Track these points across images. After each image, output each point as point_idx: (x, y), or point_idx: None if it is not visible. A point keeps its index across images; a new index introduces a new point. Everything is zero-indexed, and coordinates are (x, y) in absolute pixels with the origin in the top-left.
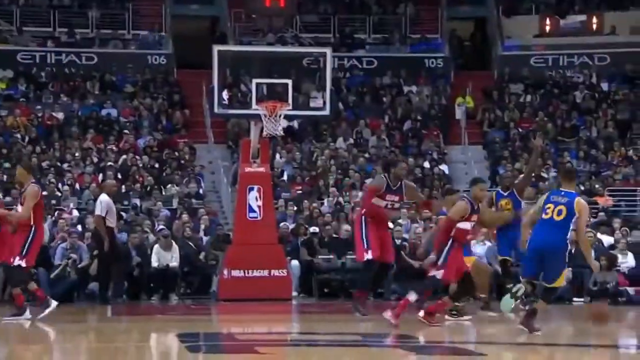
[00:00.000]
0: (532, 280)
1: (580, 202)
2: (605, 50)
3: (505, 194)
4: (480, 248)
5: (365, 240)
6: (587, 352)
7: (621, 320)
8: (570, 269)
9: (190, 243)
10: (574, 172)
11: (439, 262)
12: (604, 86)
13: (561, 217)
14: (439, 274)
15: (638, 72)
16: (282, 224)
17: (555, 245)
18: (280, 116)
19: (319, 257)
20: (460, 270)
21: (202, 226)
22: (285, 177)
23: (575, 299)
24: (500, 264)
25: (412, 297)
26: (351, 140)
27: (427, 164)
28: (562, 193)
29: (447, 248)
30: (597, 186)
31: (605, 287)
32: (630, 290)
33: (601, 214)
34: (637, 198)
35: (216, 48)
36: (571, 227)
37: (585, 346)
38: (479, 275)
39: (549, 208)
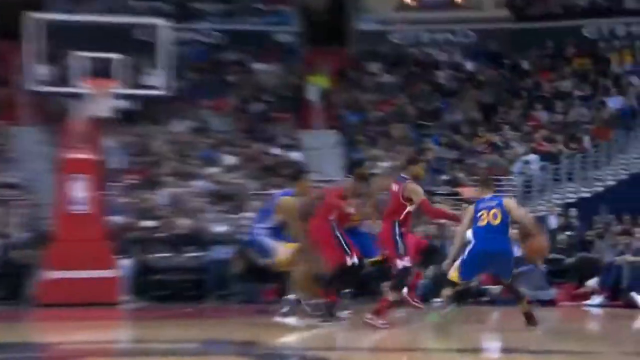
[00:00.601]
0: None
1: (507, 200)
2: (470, 26)
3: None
4: None
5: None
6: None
7: (484, 321)
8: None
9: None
10: (492, 178)
11: (400, 251)
12: (469, 65)
13: (497, 220)
14: (406, 261)
15: (504, 50)
16: (111, 217)
17: (504, 249)
18: (109, 95)
19: (154, 255)
20: (420, 246)
21: (17, 220)
22: (116, 165)
23: (435, 299)
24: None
25: (391, 296)
26: (192, 124)
27: (277, 151)
28: (488, 198)
29: (397, 236)
30: (460, 175)
31: (467, 286)
32: (495, 289)
33: (465, 205)
34: (503, 189)
35: (30, 16)
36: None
37: (447, 350)
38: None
39: (482, 215)
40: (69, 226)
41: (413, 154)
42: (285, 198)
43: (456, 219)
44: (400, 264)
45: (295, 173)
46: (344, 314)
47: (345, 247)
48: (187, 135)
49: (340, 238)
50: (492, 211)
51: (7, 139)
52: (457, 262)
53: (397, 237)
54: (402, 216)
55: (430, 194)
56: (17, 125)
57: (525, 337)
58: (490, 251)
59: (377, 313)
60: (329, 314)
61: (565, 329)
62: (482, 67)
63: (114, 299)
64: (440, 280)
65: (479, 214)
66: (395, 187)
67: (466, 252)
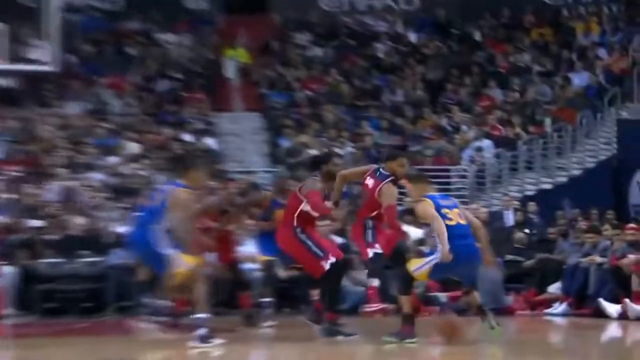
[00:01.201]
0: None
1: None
2: None
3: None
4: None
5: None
6: None
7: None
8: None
9: None
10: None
11: (368, 240)
12: (412, 37)
13: (464, 221)
14: (377, 248)
15: (452, 19)
16: None
17: (477, 252)
18: None
19: (43, 261)
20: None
21: None
22: None
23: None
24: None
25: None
26: (87, 105)
27: (188, 137)
28: (440, 196)
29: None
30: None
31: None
32: (442, 296)
33: (408, 199)
34: (452, 180)
35: None
36: None
37: None
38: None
39: (447, 213)
40: None
41: (393, 149)
42: (178, 191)
43: (403, 236)
44: (371, 251)
45: (187, 161)
46: (266, 325)
47: (317, 251)
48: (82, 119)
49: (309, 243)
50: (455, 210)
51: None
52: (427, 261)
53: (368, 230)
54: (375, 214)
55: None
56: None
57: (478, 351)
58: (467, 254)
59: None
60: (334, 332)
61: (523, 342)
62: (427, 39)
63: None
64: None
65: (443, 211)
66: (370, 183)
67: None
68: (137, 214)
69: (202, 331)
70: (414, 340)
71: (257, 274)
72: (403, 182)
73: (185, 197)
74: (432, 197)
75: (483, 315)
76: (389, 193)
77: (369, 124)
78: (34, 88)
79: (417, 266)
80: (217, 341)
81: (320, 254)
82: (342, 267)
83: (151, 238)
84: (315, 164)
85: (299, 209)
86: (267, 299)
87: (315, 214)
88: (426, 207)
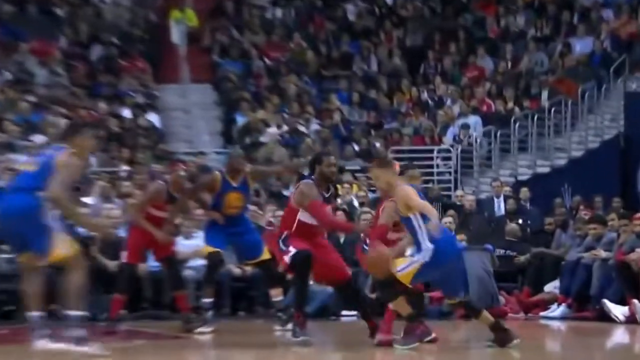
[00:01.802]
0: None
1: None
2: None
3: (235, 184)
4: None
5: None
6: None
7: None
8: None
9: None
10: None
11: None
12: None
13: None
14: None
15: None
16: None
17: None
18: None
19: None
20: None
21: None
22: None
23: (345, 312)
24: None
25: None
26: (8, 75)
27: (127, 112)
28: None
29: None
30: (377, 144)
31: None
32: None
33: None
34: (434, 162)
35: None
36: None
37: None
38: None
39: None
40: None
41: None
42: (66, 154)
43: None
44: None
45: (75, 128)
46: (203, 329)
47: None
48: (2, 92)
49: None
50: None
51: None
52: (412, 261)
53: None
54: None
55: (339, 170)
56: None
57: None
58: (453, 249)
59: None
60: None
61: (516, 350)
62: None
63: None
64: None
65: None
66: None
67: (429, 253)
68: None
69: (78, 332)
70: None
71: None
72: (369, 170)
73: (73, 161)
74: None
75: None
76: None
77: (337, 97)
78: None
79: (401, 267)
80: (93, 349)
81: (283, 247)
82: (305, 260)
83: (32, 206)
84: (309, 166)
85: (295, 221)
86: (208, 300)
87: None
88: (410, 192)
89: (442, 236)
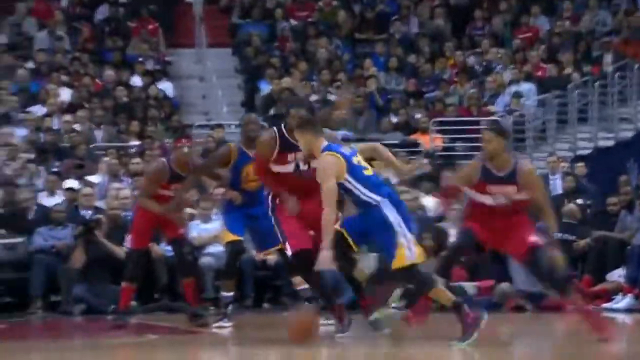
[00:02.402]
0: None
1: None
2: None
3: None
4: None
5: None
6: None
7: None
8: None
9: None
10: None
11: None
12: None
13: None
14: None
15: None
16: None
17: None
18: None
19: None
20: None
21: None
22: None
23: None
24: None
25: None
26: (2, 39)
27: (137, 80)
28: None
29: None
30: (418, 116)
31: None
32: (469, 287)
33: (425, 161)
34: (480, 135)
35: None
36: None
37: None
38: None
39: (360, 162)
40: None
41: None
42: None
43: None
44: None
45: None
46: (222, 323)
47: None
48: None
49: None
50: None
51: None
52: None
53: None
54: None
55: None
56: None
57: (514, 354)
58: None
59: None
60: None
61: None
62: None
63: None
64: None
65: (354, 160)
66: None
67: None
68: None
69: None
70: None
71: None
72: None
73: None
74: (332, 148)
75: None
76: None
77: (373, 62)
78: None
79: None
80: None
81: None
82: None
83: None
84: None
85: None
86: (228, 294)
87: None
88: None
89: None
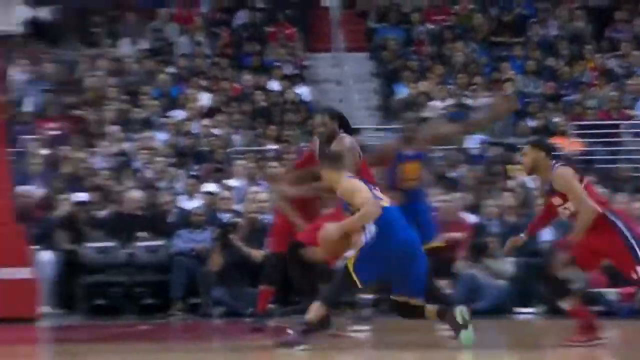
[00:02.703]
0: None
1: None
2: None
3: (411, 153)
4: None
5: None
6: None
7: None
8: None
9: None
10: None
11: None
12: None
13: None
14: None
15: None
16: (22, 189)
17: None
18: None
19: (89, 245)
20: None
21: None
22: (30, 107)
23: (519, 309)
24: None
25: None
26: (145, 44)
27: (275, 85)
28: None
29: None
30: (557, 120)
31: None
32: (610, 293)
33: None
34: (623, 139)
35: None
36: None
37: None
38: None
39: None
40: None
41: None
42: None
43: None
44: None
45: None
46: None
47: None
48: (139, 62)
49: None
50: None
51: None
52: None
53: None
54: None
55: (510, 148)
56: None
57: None
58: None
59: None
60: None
61: None
62: None
63: (29, 312)
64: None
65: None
66: None
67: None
68: None
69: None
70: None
71: None
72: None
73: None
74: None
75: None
76: None
77: (510, 66)
78: (78, 22)
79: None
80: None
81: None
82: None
83: None
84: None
85: None
86: (367, 296)
87: None
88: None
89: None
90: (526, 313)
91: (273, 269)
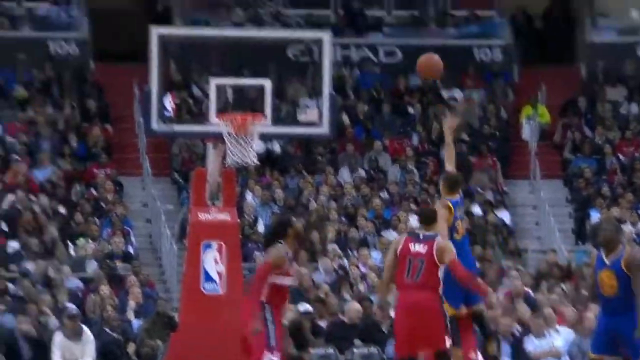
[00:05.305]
0: None
1: None
2: None
3: (609, 261)
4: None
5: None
6: None
7: None
8: None
9: (112, 330)
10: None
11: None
12: None
13: None
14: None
15: None
16: None
17: None
18: (253, 135)
19: (313, 351)
20: None
21: (132, 303)
22: (260, 227)
23: None
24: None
25: None
26: (361, 172)
27: (477, 209)
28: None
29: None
30: None
31: None
32: None
33: None
34: None
35: (156, 30)
36: None
37: None
38: None
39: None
40: (199, 310)
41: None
42: None
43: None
44: None
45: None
46: None
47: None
48: (357, 188)
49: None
50: None
51: (119, 194)
52: None
53: None
54: None
55: None
56: (132, 175)
57: None
58: None
59: None
60: None
61: None
62: None
63: None
64: None
65: None
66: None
67: None
68: None
69: None
70: None
71: None
72: None
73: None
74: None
75: None
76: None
77: None
78: (304, 152)
79: None
80: None
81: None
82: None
83: None
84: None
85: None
86: None
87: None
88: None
89: None
90: None
91: None
